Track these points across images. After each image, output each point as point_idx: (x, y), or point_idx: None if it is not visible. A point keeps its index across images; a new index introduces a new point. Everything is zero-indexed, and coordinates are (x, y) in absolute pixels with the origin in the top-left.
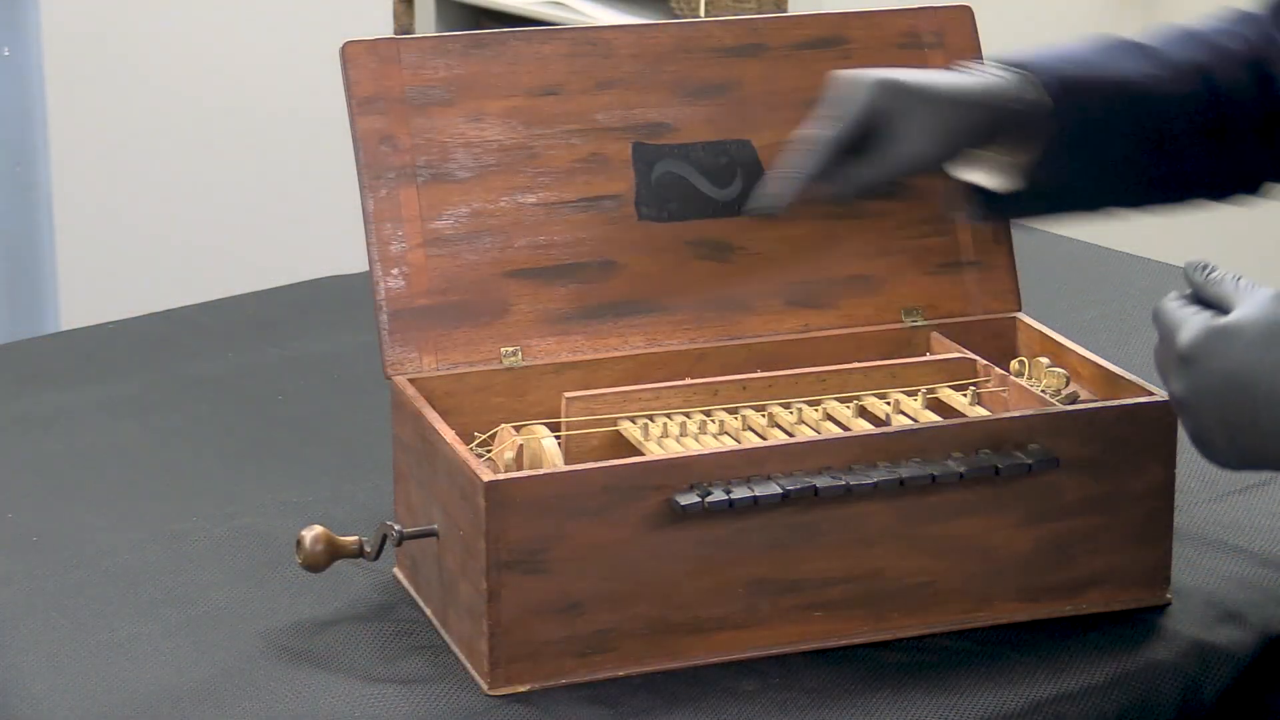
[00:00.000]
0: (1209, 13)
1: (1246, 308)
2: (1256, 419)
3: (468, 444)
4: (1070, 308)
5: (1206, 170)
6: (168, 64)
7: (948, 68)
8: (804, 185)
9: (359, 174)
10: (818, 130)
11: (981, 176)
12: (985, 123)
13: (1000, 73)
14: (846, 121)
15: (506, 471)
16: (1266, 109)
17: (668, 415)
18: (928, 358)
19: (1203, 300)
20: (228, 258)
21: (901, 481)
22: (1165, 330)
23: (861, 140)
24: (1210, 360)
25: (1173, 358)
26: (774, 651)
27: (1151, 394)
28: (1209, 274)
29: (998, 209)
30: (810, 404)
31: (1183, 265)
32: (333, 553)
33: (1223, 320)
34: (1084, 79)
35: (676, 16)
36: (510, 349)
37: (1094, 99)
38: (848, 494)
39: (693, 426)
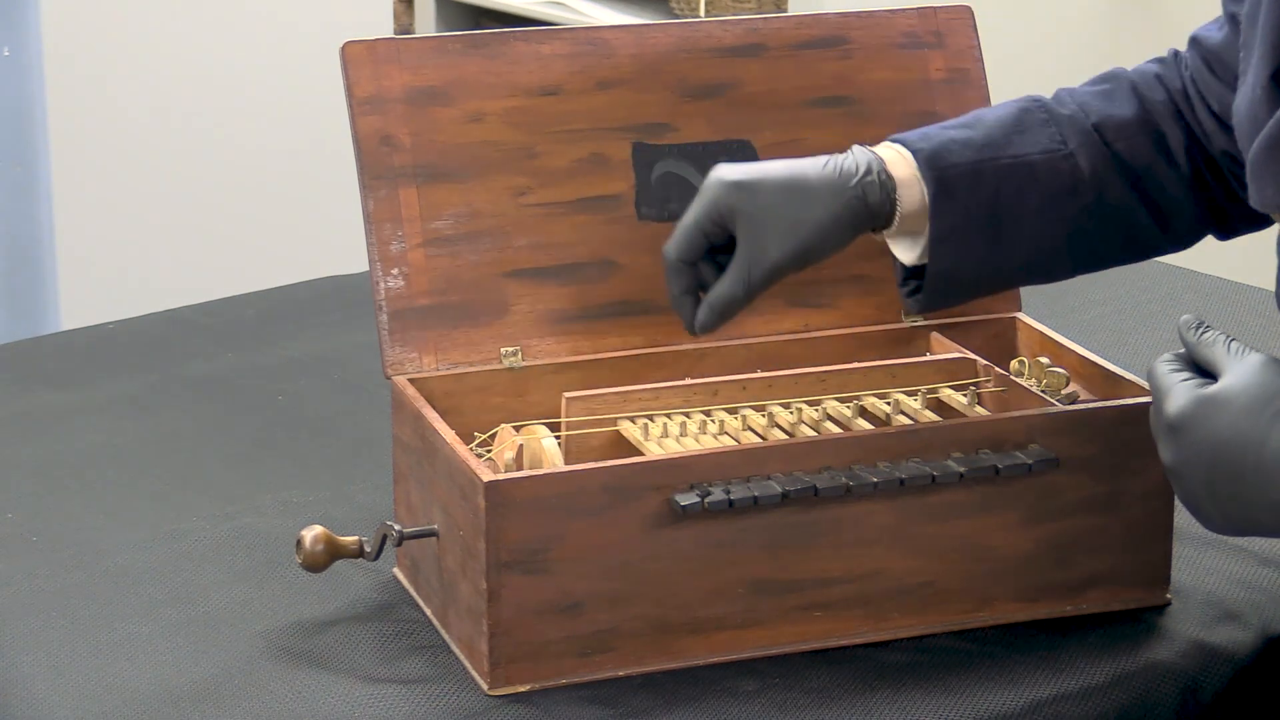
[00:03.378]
0: (1148, 57)
1: (1234, 375)
2: (1243, 489)
3: (468, 444)
4: (1070, 308)
5: (1120, 235)
6: (168, 64)
7: (814, 158)
8: (693, 302)
9: (359, 174)
10: (671, 244)
11: (899, 251)
12: (836, 215)
13: (863, 158)
14: (685, 230)
15: (506, 471)
16: (1192, 160)
17: (668, 415)
18: (928, 358)
19: (1194, 362)
20: (228, 258)
21: (901, 481)
22: (1155, 396)
23: (722, 245)
24: (1197, 430)
25: (1161, 425)
26: (774, 651)
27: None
28: (1201, 334)
29: (925, 301)
30: (810, 404)
31: (1179, 323)
32: (333, 553)
33: (1210, 389)
34: (971, 167)
35: (676, 16)
36: (510, 349)
37: (984, 186)
38: (848, 494)
39: (693, 426)
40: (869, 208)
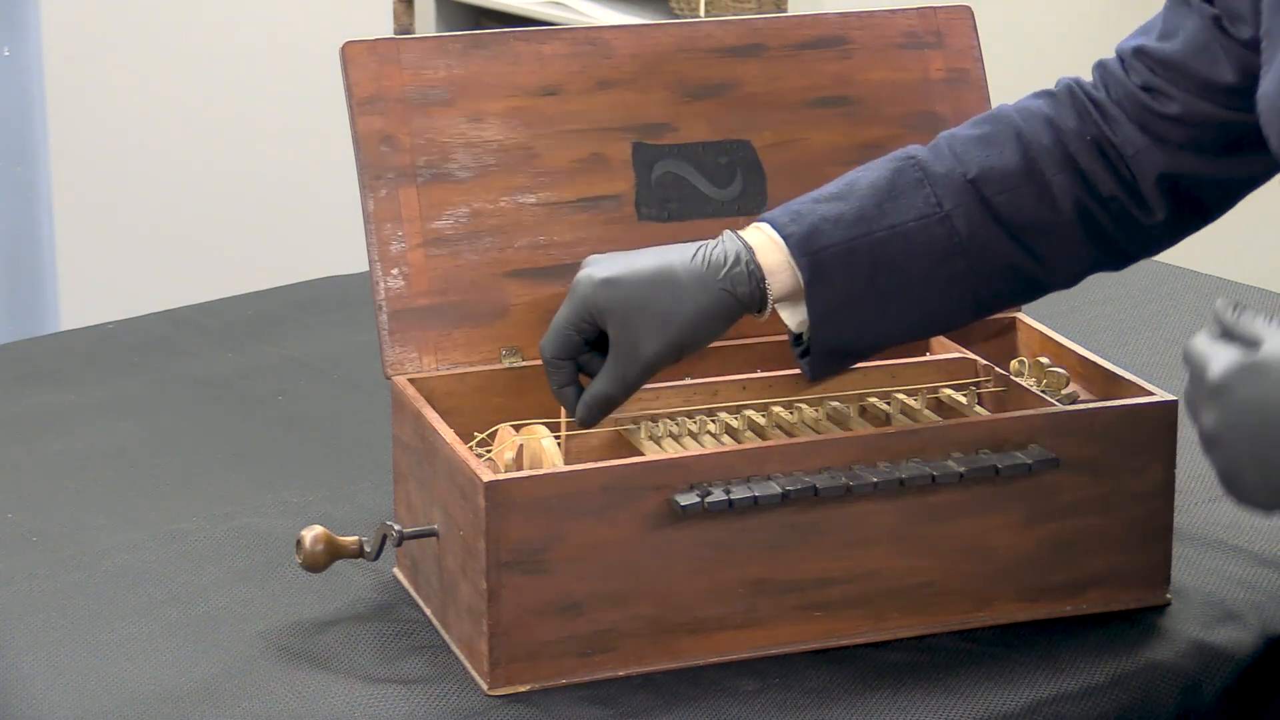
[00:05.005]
0: (1037, 90)
1: (1278, 342)
2: None
3: (468, 444)
4: (1070, 308)
5: (1006, 286)
6: (168, 64)
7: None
8: (574, 396)
9: (359, 174)
10: (546, 342)
11: (785, 317)
12: (706, 308)
13: (732, 248)
14: (555, 330)
15: (506, 471)
16: (1079, 205)
17: (668, 415)
18: (928, 358)
19: (1233, 337)
20: (228, 258)
21: (901, 481)
22: (1196, 365)
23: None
24: (1243, 392)
25: (1204, 391)
26: (774, 651)
27: (1151, 394)
28: (1239, 314)
29: (813, 372)
30: (810, 404)
31: (1214, 306)
32: (333, 553)
33: (1256, 355)
34: (845, 246)
35: (676, 16)
36: (510, 349)
37: (859, 264)
38: (848, 494)
39: (693, 426)
40: (738, 299)
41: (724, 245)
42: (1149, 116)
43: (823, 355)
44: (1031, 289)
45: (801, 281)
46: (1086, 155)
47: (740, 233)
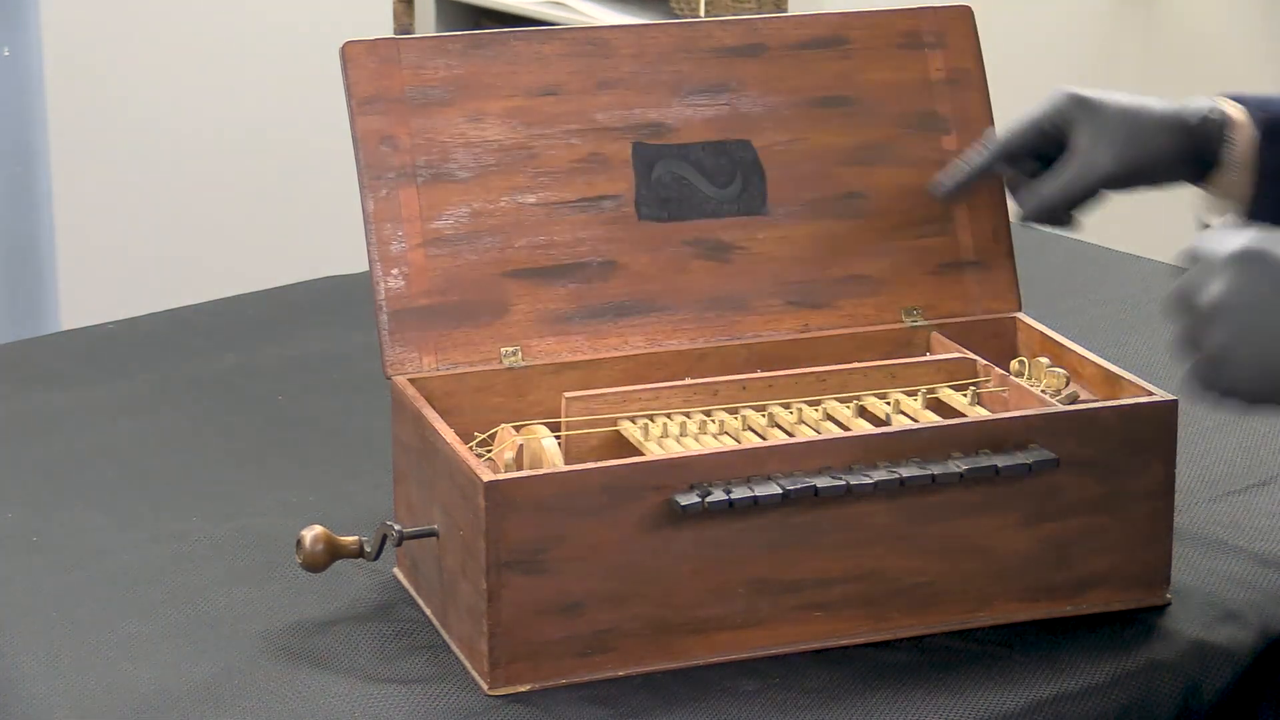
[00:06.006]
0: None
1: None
2: None
3: (468, 444)
4: (1070, 308)
5: None
6: (167, 64)
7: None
8: (967, 177)
9: (359, 174)
10: (1001, 133)
11: (1209, 213)
12: (1171, 145)
13: (1201, 102)
14: (1023, 125)
15: (506, 471)
16: None
17: (668, 415)
18: (928, 358)
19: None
20: (228, 258)
21: (901, 481)
22: (1210, 241)
23: (1050, 153)
24: (1264, 260)
25: (1217, 262)
26: (774, 651)
27: (1151, 394)
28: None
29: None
30: (810, 404)
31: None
32: (333, 553)
33: (1271, 242)
34: None
35: (676, 16)
36: (510, 349)
37: None
38: (848, 494)
39: (693, 426)
40: (1203, 139)
41: (1194, 100)
42: None
43: (1259, 216)
44: None
45: (1258, 143)
46: None
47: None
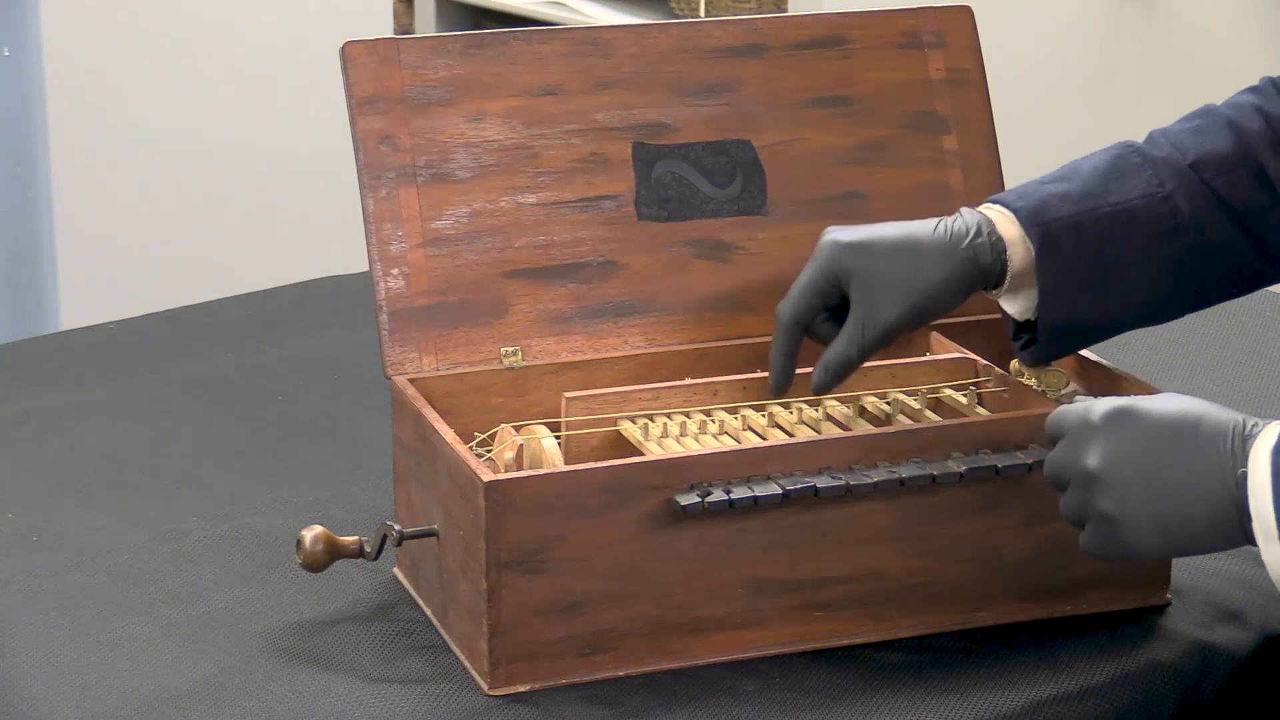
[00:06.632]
0: (1241, 89)
1: (1155, 398)
2: (1177, 472)
3: (468, 444)
4: None
5: (1228, 272)
6: (168, 64)
7: (915, 222)
8: (783, 368)
9: (359, 174)
10: (786, 304)
11: (1008, 306)
12: (949, 275)
13: (968, 219)
14: (801, 291)
15: (506, 471)
16: None
17: (668, 415)
18: (928, 358)
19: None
20: (228, 258)
21: (901, 481)
22: (1075, 411)
23: (837, 305)
24: (1134, 417)
25: (1088, 429)
26: (774, 651)
27: (1152, 393)
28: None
29: (1039, 354)
30: (810, 404)
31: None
32: (333, 553)
33: (1130, 401)
34: (1072, 219)
35: (676, 16)
36: (510, 349)
37: (1086, 237)
38: (848, 494)
39: (693, 426)
40: (980, 269)
41: (964, 219)
42: None
43: (1049, 330)
44: (1252, 279)
45: (1032, 253)
46: None
47: (976, 209)
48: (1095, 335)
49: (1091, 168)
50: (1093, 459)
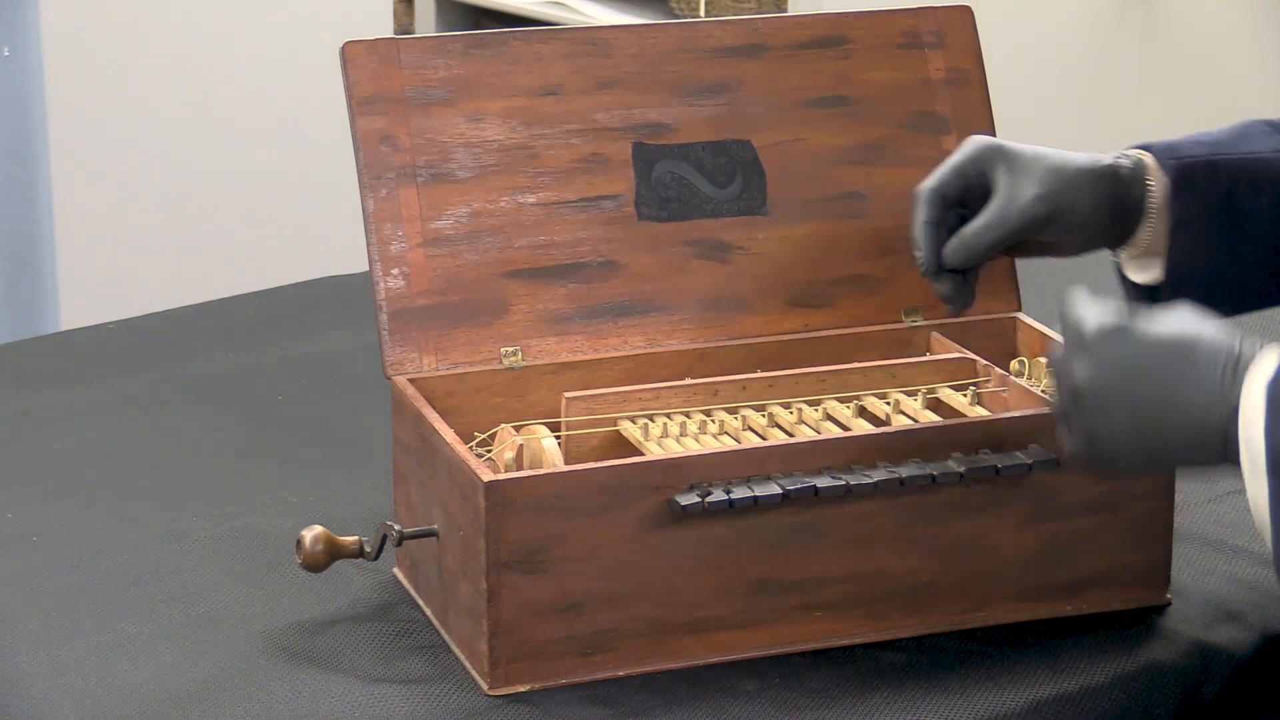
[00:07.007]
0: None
1: (1155, 315)
2: (1161, 401)
3: (468, 444)
4: None
5: None
6: (168, 64)
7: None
8: (932, 237)
9: (359, 174)
10: (927, 180)
11: (1131, 271)
12: (1093, 190)
13: (1112, 156)
14: (945, 170)
15: (506, 471)
16: None
17: (668, 415)
18: (928, 358)
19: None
20: (228, 258)
21: (901, 481)
22: (1073, 318)
23: (973, 202)
24: (1127, 336)
25: (1080, 342)
26: (774, 651)
27: None
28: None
29: (1163, 294)
30: (810, 404)
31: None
32: (333, 553)
33: (1129, 319)
34: (1206, 159)
35: (676, 16)
36: (510, 349)
37: (1219, 178)
38: (848, 494)
39: (693, 426)
40: (1121, 184)
41: (1112, 154)
42: None
43: (1175, 270)
44: None
45: (1167, 187)
46: None
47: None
48: (1214, 287)
49: (1220, 130)
50: (1080, 375)
